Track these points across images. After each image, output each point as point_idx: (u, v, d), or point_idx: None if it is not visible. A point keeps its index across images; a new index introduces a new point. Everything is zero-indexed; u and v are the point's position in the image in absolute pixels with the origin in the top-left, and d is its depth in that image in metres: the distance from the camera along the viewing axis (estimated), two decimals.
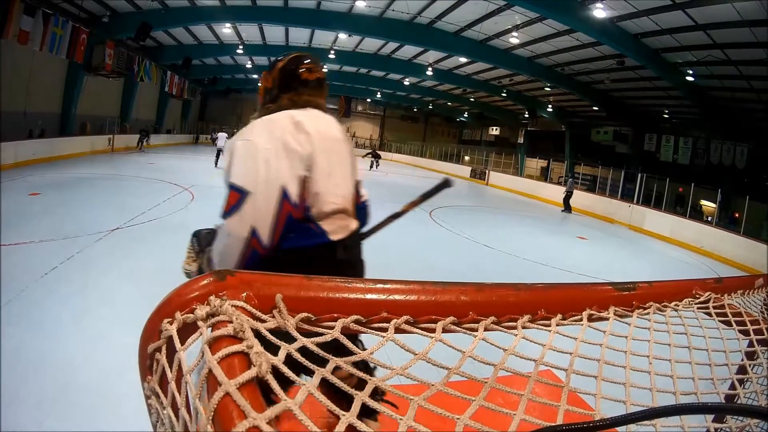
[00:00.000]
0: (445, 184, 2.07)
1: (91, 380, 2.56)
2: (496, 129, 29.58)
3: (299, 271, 0.54)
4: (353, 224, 1.37)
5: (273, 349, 0.40)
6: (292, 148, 1.21)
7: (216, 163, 14.99)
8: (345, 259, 1.33)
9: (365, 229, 1.53)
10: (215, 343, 0.39)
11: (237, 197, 1.18)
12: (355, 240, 1.39)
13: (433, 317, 0.53)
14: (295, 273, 0.50)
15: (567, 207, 14.64)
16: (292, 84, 1.40)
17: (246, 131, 1.26)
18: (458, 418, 0.43)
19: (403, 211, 1.96)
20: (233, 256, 1.20)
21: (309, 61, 1.45)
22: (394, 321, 0.50)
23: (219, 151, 15.37)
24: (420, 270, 5.77)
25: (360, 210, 1.47)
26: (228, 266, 1.22)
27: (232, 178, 1.20)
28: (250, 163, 1.19)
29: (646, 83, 15.45)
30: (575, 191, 15.04)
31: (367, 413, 0.41)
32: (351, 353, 0.45)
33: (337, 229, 1.30)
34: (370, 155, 22.72)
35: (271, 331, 0.43)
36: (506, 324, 0.57)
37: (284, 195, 1.19)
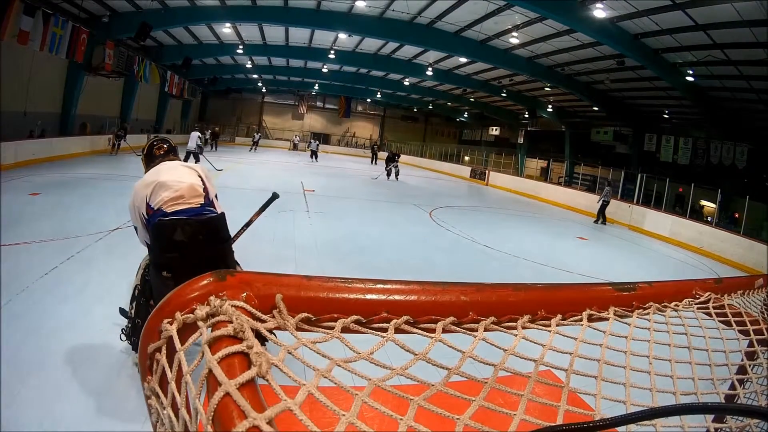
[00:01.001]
0: (274, 197, 3.13)
1: (91, 380, 2.56)
2: (496, 129, 29.58)
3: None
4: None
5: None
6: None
7: None
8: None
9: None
10: (215, 344, 0.39)
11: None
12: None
13: (433, 317, 0.53)
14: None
15: (602, 217, 13.03)
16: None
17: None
18: (458, 418, 0.43)
19: (251, 220, 3.02)
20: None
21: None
22: (394, 321, 0.50)
23: (188, 154, 12.66)
24: (420, 270, 5.77)
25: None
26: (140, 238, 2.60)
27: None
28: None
29: (646, 83, 15.45)
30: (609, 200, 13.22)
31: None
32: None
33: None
34: (389, 160, 17.81)
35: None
36: (506, 324, 0.57)
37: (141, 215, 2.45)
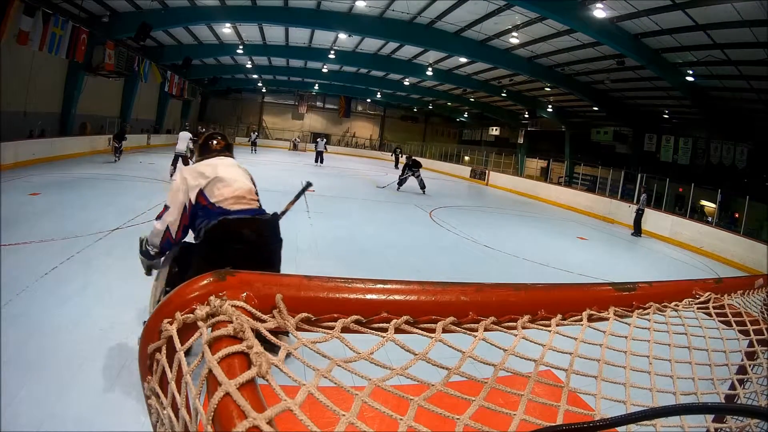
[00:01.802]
0: (307, 185, 3.40)
1: (91, 380, 2.56)
2: (496, 129, 29.58)
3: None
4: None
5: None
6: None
7: (173, 172, 11.02)
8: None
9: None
10: (215, 343, 0.39)
11: (163, 209, 2.51)
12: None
13: (433, 317, 0.53)
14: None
15: (638, 229, 11.97)
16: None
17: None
18: (458, 418, 0.43)
19: (285, 209, 3.13)
20: (156, 239, 2.51)
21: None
22: (394, 321, 0.50)
23: (177, 157, 11.19)
24: (420, 270, 5.77)
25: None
26: (153, 245, 2.55)
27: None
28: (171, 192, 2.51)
29: (646, 83, 15.45)
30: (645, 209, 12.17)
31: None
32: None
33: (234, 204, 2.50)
34: (407, 166, 14.69)
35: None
36: (506, 324, 0.57)
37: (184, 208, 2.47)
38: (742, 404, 0.79)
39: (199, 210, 2.45)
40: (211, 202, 2.44)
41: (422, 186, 14.35)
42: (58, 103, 14.42)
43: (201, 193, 2.44)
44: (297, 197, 3.35)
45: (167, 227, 2.46)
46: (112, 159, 13.67)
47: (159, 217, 2.49)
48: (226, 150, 2.76)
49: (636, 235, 11.88)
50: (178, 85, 22.27)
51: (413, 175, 14.39)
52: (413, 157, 15.06)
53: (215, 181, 2.46)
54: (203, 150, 2.74)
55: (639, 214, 11.93)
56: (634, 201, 14.18)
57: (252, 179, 2.71)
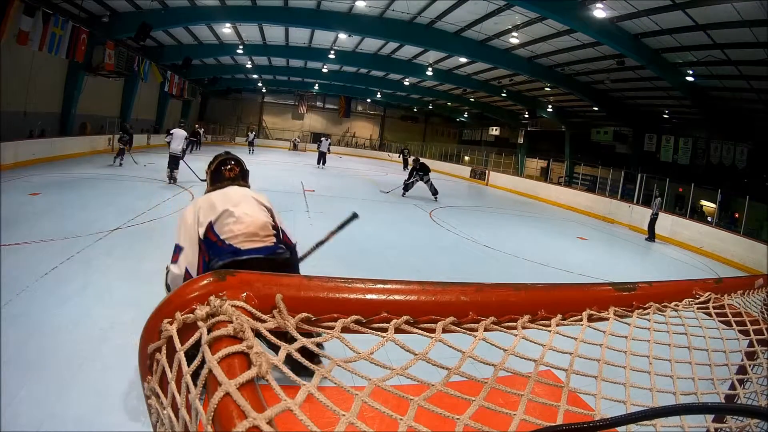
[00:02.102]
0: (353, 217, 3.12)
1: (91, 380, 2.56)
2: (496, 129, 29.58)
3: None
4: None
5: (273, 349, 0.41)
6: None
7: (170, 177, 10.14)
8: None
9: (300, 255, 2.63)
10: (215, 344, 0.39)
11: (175, 251, 2.22)
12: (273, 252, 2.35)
13: (433, 317, 0.53)
14: None
15: (652, 234, 11.56)
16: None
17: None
18: (458, 418, 0.43)
19: (325, 239, 2.96)
20: (176, 285, 2.42)
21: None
22: (394, 321, 0.50)
23: (172, 158, 10.15)
24: (420, 270, 5.77)
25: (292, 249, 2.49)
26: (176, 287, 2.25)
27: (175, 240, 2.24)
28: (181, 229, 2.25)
29: (646, 83, 15.45)
30: (660, 214, 11.69)
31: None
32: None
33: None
34: (414, 170, 13.18)
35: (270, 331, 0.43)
36: (506, 324, 0.57)
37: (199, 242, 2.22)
38: (742, 404, 0.79)
39: (209, 247, 2.22)
40: (221, 239, 2.22)
41: (434, 192, 12.83)
42: (58, 103, 14.42)
43: (210, 228, 2.21)
44: (340, 228, 3.02)
45: (186, 269, 2.17)
46: (115, 162, 12.60)
47: (174, 261, 2.19)
48: (241, 177, 2.51)
49: (650, 240, 11.47)
50: (178, 85, 22.27)
51: (422, 180, 12.91)
52: (421, 160, 13.62)
53: (225, 215, 2.23)
54: (215, 177, 2.48)
55: (653, 219, 11.51)
56: (634, 200, 14.18)
57: (270, 209, 2.44)
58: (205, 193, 2.42)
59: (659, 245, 11.37)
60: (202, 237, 2.19)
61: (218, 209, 2.24)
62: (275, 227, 2.42)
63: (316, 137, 33.85)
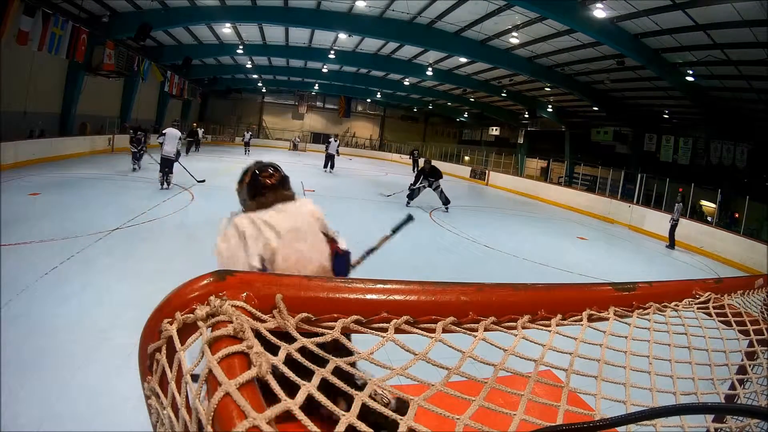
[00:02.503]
0: (409, 219, 2.93)
1: (91, 380, 2.56)
2: (496, 129, 29.58)
3: None
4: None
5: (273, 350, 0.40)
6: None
7: (163, 181, 9.42)
8: None
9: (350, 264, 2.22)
10: (215, 344, 0.39)
11: None
12: None
13: (433, 317, 0.53)
14: None
15: (672, 241, 10.92)
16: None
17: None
18: (458, 418, 0.43)
19: (378, 245, 2.64)
20: None
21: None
22: (394, 321, 0.50)
23: (164, 161, 9.34)
24: (420, 270, 5.77)
25: (339, 258, 2.03)
26: None
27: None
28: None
29: (646, 83, 15.45)
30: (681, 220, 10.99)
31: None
32: (349, 353, 0.45)
33: None
34: (421, 174, 11.45)
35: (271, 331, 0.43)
36: (506, 324, 0.57)
37: None
38: (742, 404, 0.79)
39: None
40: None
41: (445, 201, 11.06)
42: (58, 103, 14.42)
43: (262, 262, 1.76)
44: (395, 231, 2.73)
45: None
46: (129, 166, 11.78)
47: None
48: (283, 186, 1.94)
49: (670, 247, 10.87)
50: (178, 85, 22.27)
51: (430, 186, 11.10)
52: (432, 163, 11.68)
53: (276, 252, 1.74)
54: (254, 191, 1.90)
55: (673, 226, 10.88)
56: (634, 201, 14.18)
57: (325, 225, 1.99)
58: (245, 211, 1.85)
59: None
60: (259, 267, 1.72)
61: (266, 243, 1.73)
62: (331, 257, 1.98)
63: (316, 137, 33.87)
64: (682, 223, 11.29)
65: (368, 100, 34.22)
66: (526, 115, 24.80)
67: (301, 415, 0.34)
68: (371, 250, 2.55)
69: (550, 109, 23.11)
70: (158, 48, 19.41)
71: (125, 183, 10.11)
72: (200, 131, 23.20)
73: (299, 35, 18.49)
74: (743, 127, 14.96)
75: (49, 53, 11.64)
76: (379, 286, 0.52)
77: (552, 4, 10.78)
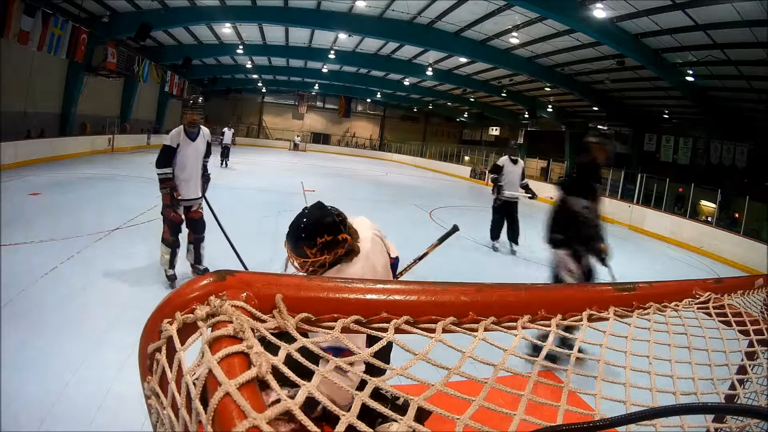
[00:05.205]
0: (454, 229, 2.90)
1: (91, 380, 2.56)
2: (496, 129, 29.57)
3: None
4: None
5: (273, 350, 0.41)
6: None
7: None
8: None
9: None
10: (215, 344, 0.39)
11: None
12: None
13: (433, 317, 0.53)
14: None
15: None
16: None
17: None
18: (458, 418, 0.43)
19: (426, 252, 2.68)
20: None
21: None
22: (394, 321, 0.50)
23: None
24: (420, 270, 5.76)
25: (392, 266, 1.99)
26: None
27: None
28: None
29: (646, 83, 15.45)
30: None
31: None
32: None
33: None
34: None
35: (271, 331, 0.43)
36: (506, 324, 0.57)
37: None
38: (742, 404, 0.79)
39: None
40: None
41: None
42: (58, 103, 14.41)
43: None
44: (442, 240, 2.77)
45: None
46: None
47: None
48: (349, 233, 1.70)
49: None
50: (178, 85, 22.28)
51: (594, 254, 4.00)
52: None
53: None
54: (336, 261, 1.65)
55: None
56: (634, 201, 14.16)
57: (384, 243, 1.89)
58: (331, 266, 1.65)
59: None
60: None
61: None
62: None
63: (317, 137, 33.90)
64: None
65: (368, 100, 34.23)
66: (526, 115, 24.81)
67: (301, 415, 0.34)
68: (420, 258, 2.64)
69: (550, 109, 23.12)
70: (158, 48, 19.42)
71: (125, 183, 10.11)
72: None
73: (299, 35, 18.49)
74: (743, 127, 14.96)
75: (49, 53, 11.64)
76: (379, 286, 0.52)
77: (552, 4, 10.79)
